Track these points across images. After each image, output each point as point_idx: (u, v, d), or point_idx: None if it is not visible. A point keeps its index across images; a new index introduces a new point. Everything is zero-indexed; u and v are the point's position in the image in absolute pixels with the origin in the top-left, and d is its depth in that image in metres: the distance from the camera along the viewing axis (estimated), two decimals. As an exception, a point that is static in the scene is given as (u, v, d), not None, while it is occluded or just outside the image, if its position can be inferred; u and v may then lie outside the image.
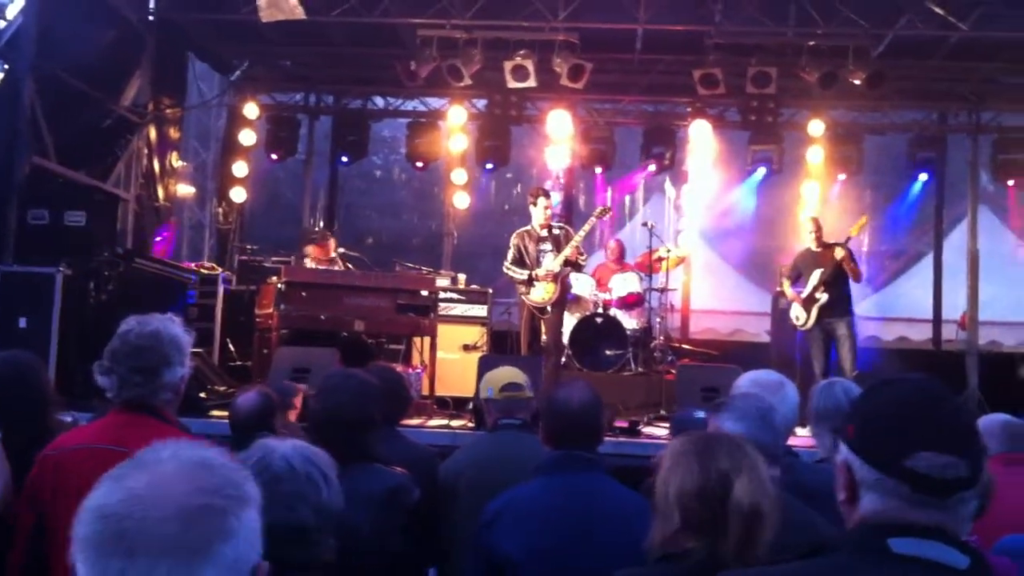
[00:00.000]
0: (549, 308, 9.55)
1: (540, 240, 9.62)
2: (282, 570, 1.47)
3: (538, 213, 9.65)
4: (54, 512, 2.90)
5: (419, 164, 14.91)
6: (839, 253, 9.70)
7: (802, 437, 5.05)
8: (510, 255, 9.71)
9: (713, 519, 2.24)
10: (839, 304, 9.79)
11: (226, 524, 1.28)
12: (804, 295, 9.84)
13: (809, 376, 9.55)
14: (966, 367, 13.37)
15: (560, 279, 9.51)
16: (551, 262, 9.49)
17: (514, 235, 9.81)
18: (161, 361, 3.07)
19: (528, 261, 9.59)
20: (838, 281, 9.81)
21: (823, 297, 9.72)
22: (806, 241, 10.13)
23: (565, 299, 9.87)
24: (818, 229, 10.05)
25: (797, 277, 10.10)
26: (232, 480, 1.33)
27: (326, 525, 2.24)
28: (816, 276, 9.79)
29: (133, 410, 3.06)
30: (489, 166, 14.49)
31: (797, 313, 9.95)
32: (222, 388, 9.02)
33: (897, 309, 17.38)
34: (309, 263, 10.40)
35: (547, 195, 9.90)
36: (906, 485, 1.68)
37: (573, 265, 9.69)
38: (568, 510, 3.31)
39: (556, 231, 9.70)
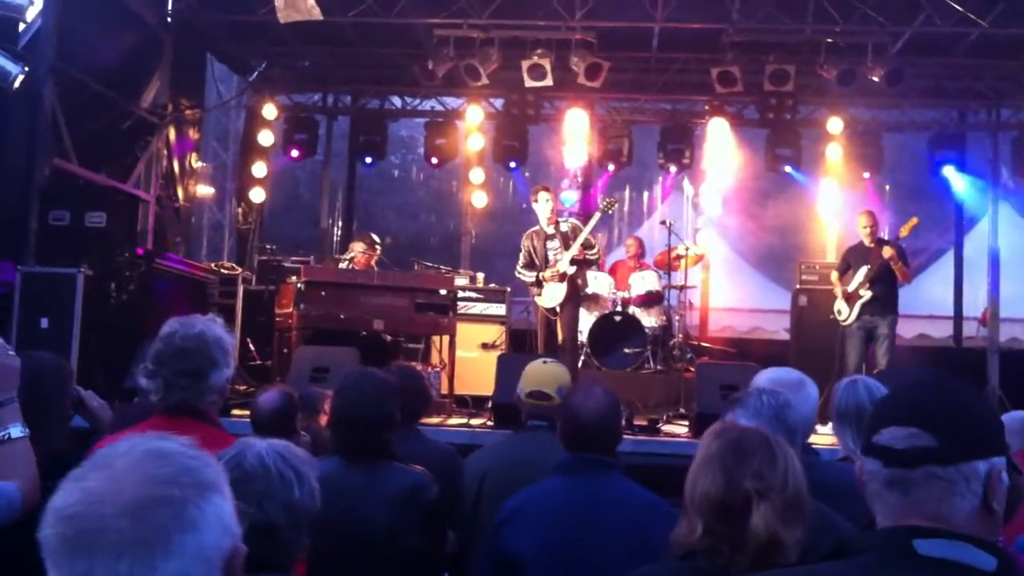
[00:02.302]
0: (558, 308, 9.52)
1: (548, 238, 9.59)
2: (253, 568, 1.45)
3: (541, 210, 9.61)
4: None
5: (436, 163, 14.93)
6: (887, 252, 9.62)
7: (823, 435, 5.04)
8: (520, 258, 9.70)
9: (731, 534, 2.21)
10: (884, 302, 9.74)
11: (184, 513, 1.25)
12: (850, 290, 9.81)
13: (840, 373, 9.51)
14: (987, 364, 13.31)
15: (569, 278, 9.45)
16: (561, 262, 9.43)
17: (524, 237, 9.79)
18: (207, 363, 3.06)
19: (537, 261, 9.56)
20: (885, 279, 9.75)
21: (867, 295, 9.67)
22: (860, 235, 10.09)
23: (578, 296, 9.81)
24: (873, 224, 10.01)
25: (846, 270, 10.05)
26: (189, 468, 1.30)
27: (298, 523, 2.22)
28: (863, 273, 9.74)
29: (179, 413, 3.04)
30: (512, 164, 14.48)
31: (840, 307, 9.91)
32: (243, 387, 9.06)
33: (918, 306, 17.22)
34: (345, 264, 10.42)
35: (547, 190, 9.87)
36: (878, 463, 1.68)
37: (583, 263, 9.64)
38: (583, 510, 3.30)
39: (564, 227, 9.66)
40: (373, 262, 10.63)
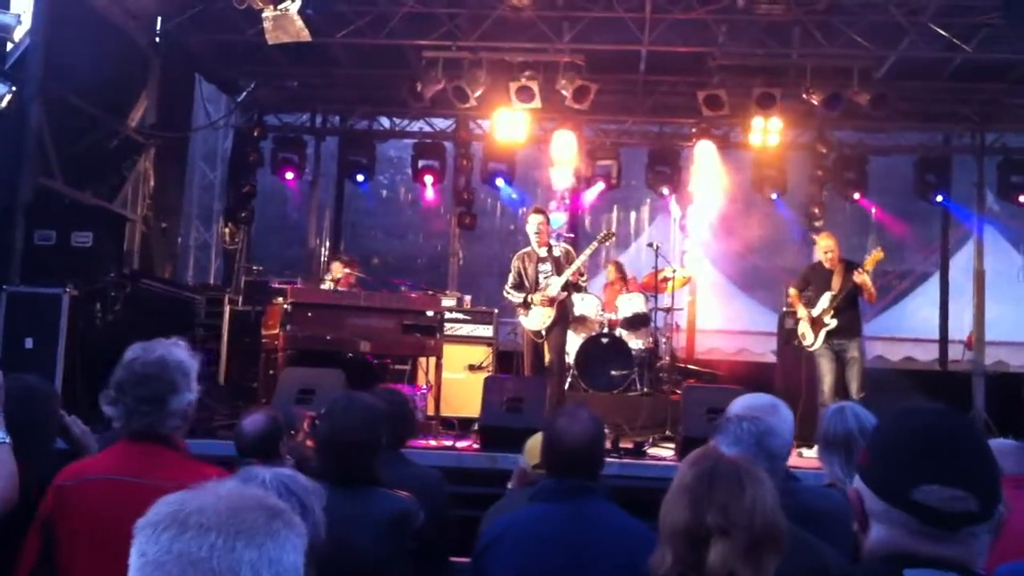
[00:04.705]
0: (544, 331, 9.49)
1: (540, 261, 9.57)
2: None
3: (534, 232, 9.61)
4: (69, 541, 2.88)
5: (425, 184, 14.94)
6: (859, 277, 9.48)
7: (807, 459, 5.04)
8: (510, 278, 9.67)
9: (697, 566, 2.16)
10: (850, 326, 9.62)
11: (272, 525, 1.34)
12: (814, 315, 9.69)
13: (816, 395, 9.47)
14: (972, 388, 13.34)
15: (557, 303, 9.44)
16: (551, 287, 9.41)
17: (515, 257, 9.78)
18: (168, 389, 3.03)
19: (527, 283, 9.54)
20: (849, 304, 9.65)
21: (832, 323, 9.52)
22: (820, 259, 9.87)
23: (565, 320, 9.80)
24: (835, 248, 9.85)
25: (804, 287, 9.91)
26: (280, 505, 1.40)
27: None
28: (826, 299, 9.56)
29: (143, 439, 3.02)
30: (500, 185, 14.50)
31: (804, 331, 9.79)
32: (228, 409, 9.02)
33: (903, 329, 17.35)
34: (329, 284, 10.47)
35: (541, 212, 9.88)
36: (913, 517, 1.67)
37: (574, 287, 9.64)
38: (566, 536, 3.27)
39: (556, 252, 9.64)
40: (354, 280, 10.68)
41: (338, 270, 10.81)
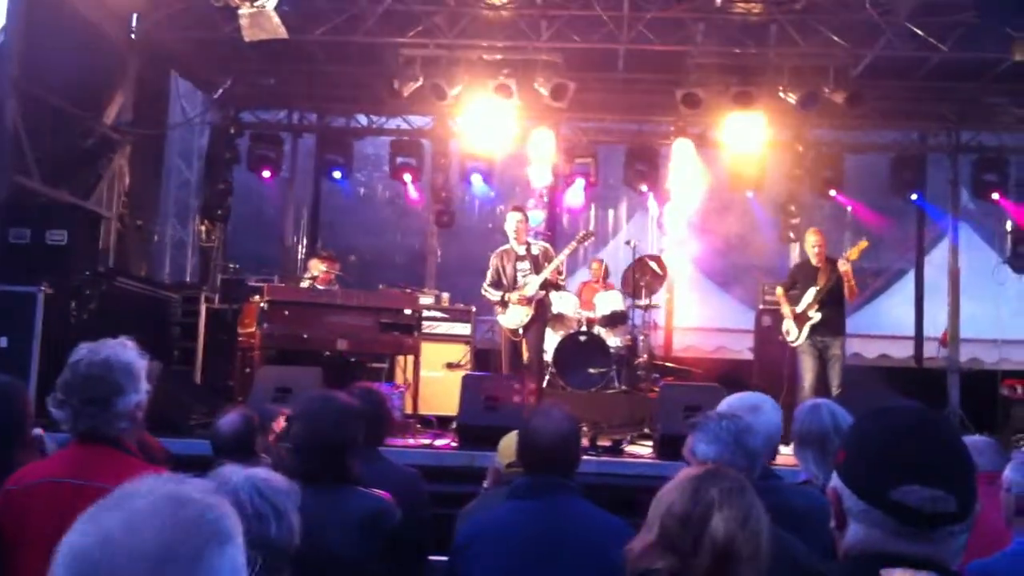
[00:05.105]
0: (521, 329, 9.52)
1: (518, 259, 9.60)
2: None
3: (512, 230, 9.63)
4: (16, 545, 2.86)
5: (402, 182, 14.91)
6: (843, 266, 9.58)
7: (782, 456, 5.05)
8: (488, 276, 9.70)
9: (686, 543, 2.19)
10: (833, 322, 9.70)
11: (200, 566, 1.24)
12: (798, 311, 9.77)
13: (797, 392, 9.54)
14: (947, 384, 13.44)
15: (535, 301, 9.46)
16: (528, 286, 9.44)
17: (493, 255, 9.79)
18: (112, 390, 3.00)
19: (505, 281, 9.55)
20: (834, 301, 9.72)
21: (816, 316, 9.61)
22: (808, 254, 10.01)
23: (543, 318, 9.83)
24: (822, 244, 9.95)
25: (792, 286, 10.00)
26: (209, 517, 1.28)
27: (276, 563, 2.14)
28: (811, 294, 9.67)
29: (90, 441, 3.00)
30: (476, 178, 14.49)
31: (788, 327, 9.86)
32: (204, 408, 8.98)
33: (879, 326, 17.44)
34: (308, 281, 10.44)
35: (520, 210, 9.90)
36: (892, 517, 1.67)
37: (552, 286, 9.66)
38: (542, 534, 3.29)
39: (535, 250, 9.66)
40: (333, 277, 10.65)
41: (316, 267, 10.77)
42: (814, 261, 9.86)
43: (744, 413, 3.31)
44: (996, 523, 3.46)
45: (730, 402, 3.57)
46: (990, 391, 11.83)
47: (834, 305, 9.71)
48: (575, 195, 14.61)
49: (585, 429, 8.32)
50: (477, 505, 4.39)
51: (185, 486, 1.31)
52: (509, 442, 4.37)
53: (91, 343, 3.09)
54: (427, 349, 10.43)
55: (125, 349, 3.09)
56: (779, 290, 10.17)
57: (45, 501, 2.82)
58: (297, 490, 2.32)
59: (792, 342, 9.79)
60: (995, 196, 13.88)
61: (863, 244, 9.77)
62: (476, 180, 14.44)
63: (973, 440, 4.02)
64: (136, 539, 1.21)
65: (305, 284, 10.61)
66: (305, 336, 9.29)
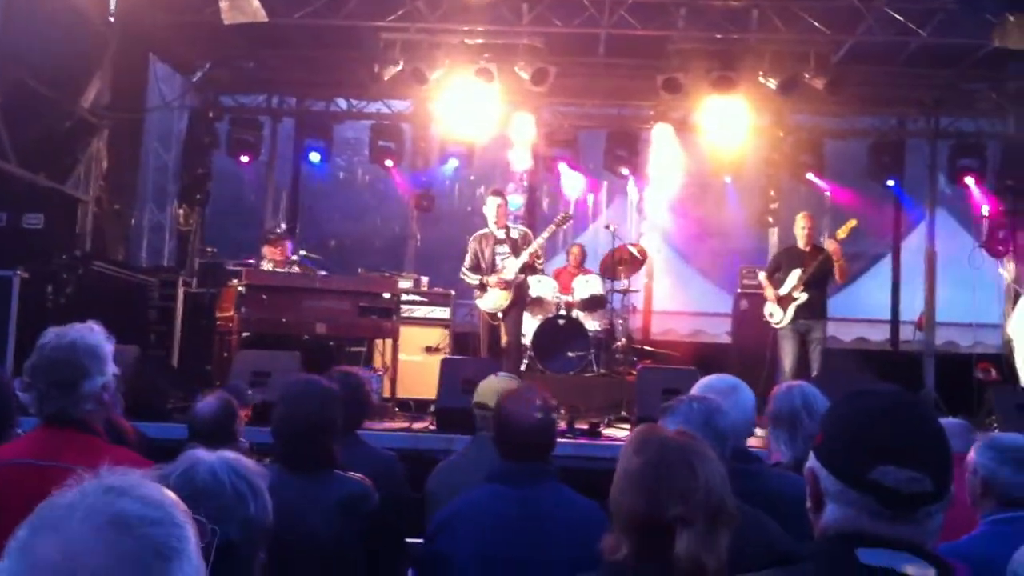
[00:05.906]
0: (500, 313, 9.54)
1: (497, 242, 9.62)
2: None
3: (491, 213, 9.65)
4: None
5: (382, 166, 14.86)
6: (831, 245, 9.64)
7: (757, 438, 5.09)
8: (467, 260, 9.71)
9: (658, 553, 2.18)
10: (816, 305, 9.79)
11: (163, 556, 1.19)
12: (782, 293, 9.83)
13: (777, 375, 9.61)
14: (923, 367, 13.55)
15: (514, 285, 9.49)
16: (507, 270, 9.46)
17: (472, 239, 9.81)
18: (78, 373, 3.02)
19: (483, 265, 9.57)
20: (819, 282, 9.79)
21: (801, 297, 9.69)
22: (797, 236, 10.07)
23: (522, 302, 9.86)
24: (812, 227, 10.02)
25: (775, 271, 10.06)
26: (153, 535, 1.20)
27: (255, 540, 2.16)
28: (796, 275, 9.74)
29: (57, 424, 3.03)
30: (453, 162, 14.49)
31: (772, 310, 9.91)
32: (182, 392, 8.95)
33: (856, 310, 17.50)
34: (266, 264, 10.32)
35: (499, 194, 9.90)
36: (870, 498, 1.69)
37: (530, 269, 9.68)
38: (520, 518, 3.32)
39: (514, 234, 9.69)
40: (294, 256, 10.42)
41: (268, 253, 10.44)
42: (801, 244, 9.94)
43: (717, 395, 3.34)
44: (965, 506, 3.50)
45: (706, 383, 3.61)
46: (965, 374, 11.93)
47: (817, 288, 9.79)
48: (572, 185, 14.67)
49: (563, 412, 8.36)
50: (450, 464, 4.54)
51: (126, 499, 1.23)
52: (486, 382, 4.64)
53: (58, 327, 3.12)
54: (406, 333, 10.43)
55: (92, 332, 3.11)
56: (762, 275, 10.27)
57: (12, 483, 2.83)
58: (266, 472, 2.33)
59: (777, 324, 9.86)
60: (967, 179, 13.91)
61: (852, 223, 9.85)
62: (455, 164, 14.46)
63: (947, 422, 4.07)
64: (74, 565, 1.15)
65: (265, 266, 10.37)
66: (283, 320, 9.28)
